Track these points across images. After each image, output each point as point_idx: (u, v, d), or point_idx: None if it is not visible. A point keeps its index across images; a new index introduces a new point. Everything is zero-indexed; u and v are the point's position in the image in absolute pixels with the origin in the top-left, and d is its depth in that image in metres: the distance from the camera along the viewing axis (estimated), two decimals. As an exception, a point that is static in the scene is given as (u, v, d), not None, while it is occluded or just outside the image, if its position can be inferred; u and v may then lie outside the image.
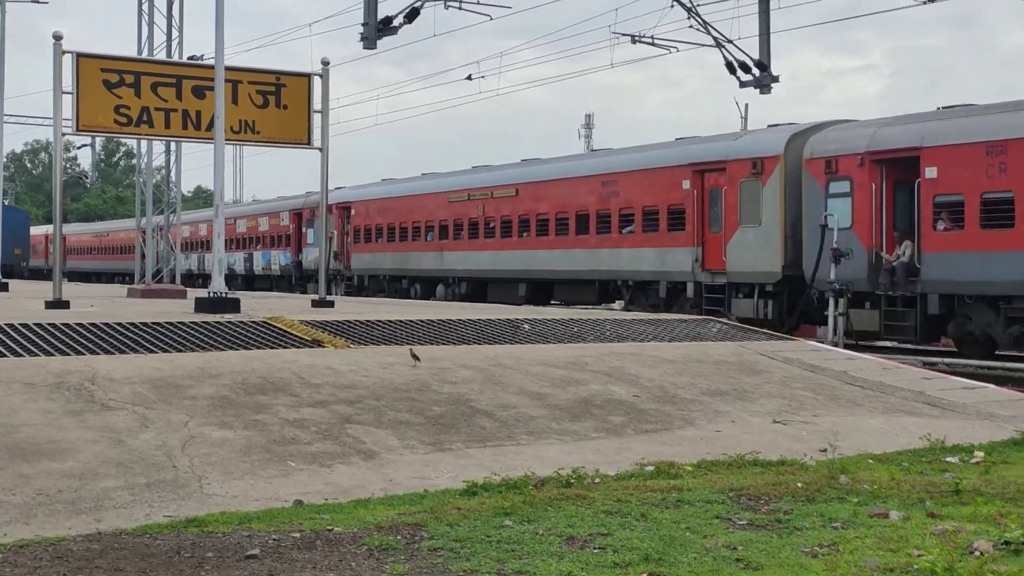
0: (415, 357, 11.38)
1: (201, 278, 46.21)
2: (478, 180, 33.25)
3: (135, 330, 12.26)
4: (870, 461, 8.81)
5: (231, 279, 39.04)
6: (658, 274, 26.03)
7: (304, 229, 41.12)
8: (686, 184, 25.23)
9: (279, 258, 43.40)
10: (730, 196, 24.14)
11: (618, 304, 26.46)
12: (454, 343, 13.11)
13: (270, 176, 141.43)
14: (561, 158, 31.59)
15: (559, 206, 29.10)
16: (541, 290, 30.47)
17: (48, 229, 60.42)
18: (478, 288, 32.50)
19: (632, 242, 26.77)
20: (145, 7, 22.40)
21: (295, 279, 41.85)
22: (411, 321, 14.46)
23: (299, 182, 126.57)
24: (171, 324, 12.76)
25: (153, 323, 12.74)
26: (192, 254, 50.51)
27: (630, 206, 26.84)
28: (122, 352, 11.03)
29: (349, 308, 17.94)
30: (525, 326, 14.83)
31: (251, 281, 45.57)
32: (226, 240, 37.17)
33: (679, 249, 25.36)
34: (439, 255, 33.85)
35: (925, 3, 30.54)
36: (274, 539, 6.15)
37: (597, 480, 7.76)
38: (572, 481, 7.59)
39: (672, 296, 25.85)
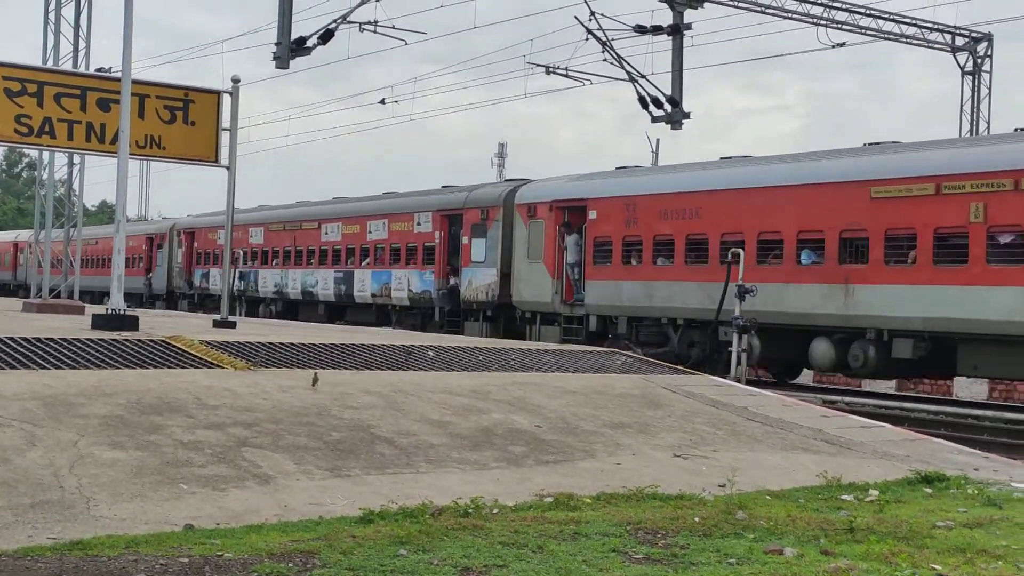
0: (315, 380, 11.22)
1: (211, 298, 41.14)
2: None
3: (27, 345, 11.91)
4: (768, 497, 8.86)
5: (308, 306, 36.33)
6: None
7: (467, 239, 29.78)
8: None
9: (409, 281, 31.89)
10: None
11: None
12: (357, 368, 12.97)
13: (180, 193, 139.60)
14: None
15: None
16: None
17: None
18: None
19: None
20: (52, 16, 21.95)
21: (441, 314, 30.57)
22: (315, 344, 14.28)
23: (210, 200, 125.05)
24: (66, 340, 12.43)
25: (47, 339, 12.40)
26: (201, 268, 44.20)
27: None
28: (12, 368, 10.70)
29: (251, 330, 17.68)
30: (430, 353, 14.74)
31: (342, 312, 35.67)
32: (300, 250, 36.85)
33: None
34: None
35: (834, 47, 31.32)
36: (161, 564, 5.97)
37: (495, 511, 7.68)
38: (470, 511, 7.51)
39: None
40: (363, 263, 33.95)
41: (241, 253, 38.80)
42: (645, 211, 24.48)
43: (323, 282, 35.70)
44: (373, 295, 33.29)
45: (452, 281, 30.36)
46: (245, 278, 39.63)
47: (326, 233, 35.97)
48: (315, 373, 11.53)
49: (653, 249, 24.37)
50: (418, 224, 31.66)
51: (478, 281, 29.03)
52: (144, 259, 46.99)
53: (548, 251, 26.77)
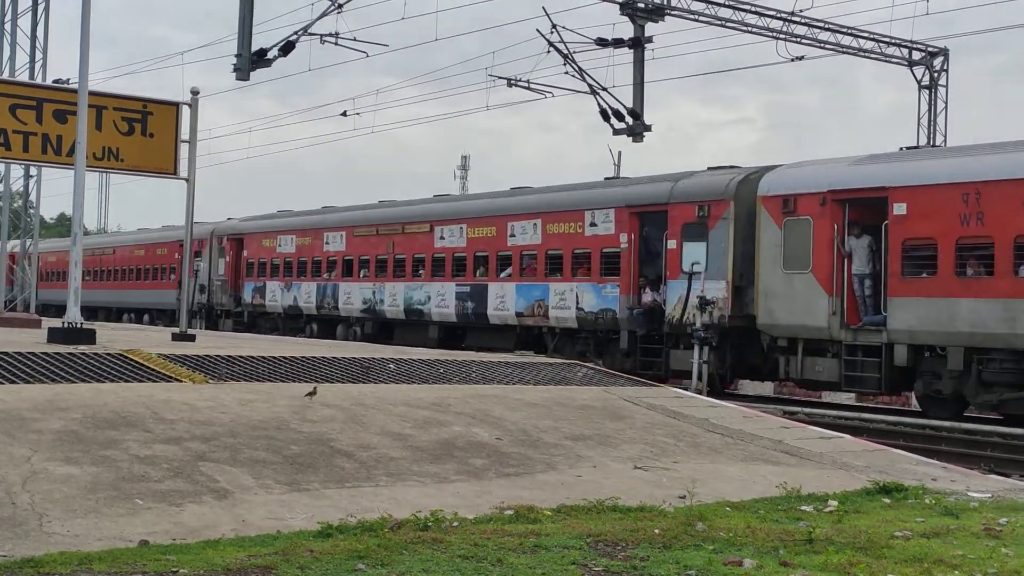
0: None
1: (266, 316, 37.17)
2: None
3: (-19, 359, 11.75)
4: (727, 509, 8.87)
5: (413, 327, 29.99)
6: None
7: (675, 242, 23.84)
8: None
9: (579, 297, 25.83)
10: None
11: None
12: (317, 380, 12.88)
13: (139, 205, 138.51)
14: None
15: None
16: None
17: None
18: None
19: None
20: (8, 27, 21.76)
21: (631, 339, 24.79)
22: (274, 358, 14.18)
23: (172, 214, 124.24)
24: (20, 354, 12.27)
25: (1, 352, 12.24)
26: (253, 281, 37.87)
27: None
28: (-35, 382, 10.55)
29: (210, 343, 17.54)
30: (390, 365, 14.67)
31: (461, 335, 29.51)
32: (401, 259, 30.65)
33: None
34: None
35: (793, 60, 31.56)
36: (115, 581, 5.89)
37: (455, 524, 7.64)
38: (430, 524, 7.47)
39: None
40: (502, 274, 28.07)
41: (310, 262, 34.65)
42: (1000, 202, 18.42)
43: (438, 298, 29.48)
44: (519, 314, 27.15)
45: (648, 297, 24.47)
46: (321, 292, 34.06)
47: (442, 237, 29.89)
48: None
49: (1015, 254, 18.33)
50: (592, 224, 25.61)
51: (694, 298, 22.73)
52: (177, 270, 41.32)
53: (821, 258, 20.75)
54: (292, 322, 35.74)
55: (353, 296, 32.73)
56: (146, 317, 44.47)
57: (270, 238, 37.28)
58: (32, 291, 22.42)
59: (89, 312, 42.02)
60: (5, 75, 21.00)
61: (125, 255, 47.85)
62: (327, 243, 34.25)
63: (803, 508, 8.95)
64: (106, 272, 48.76)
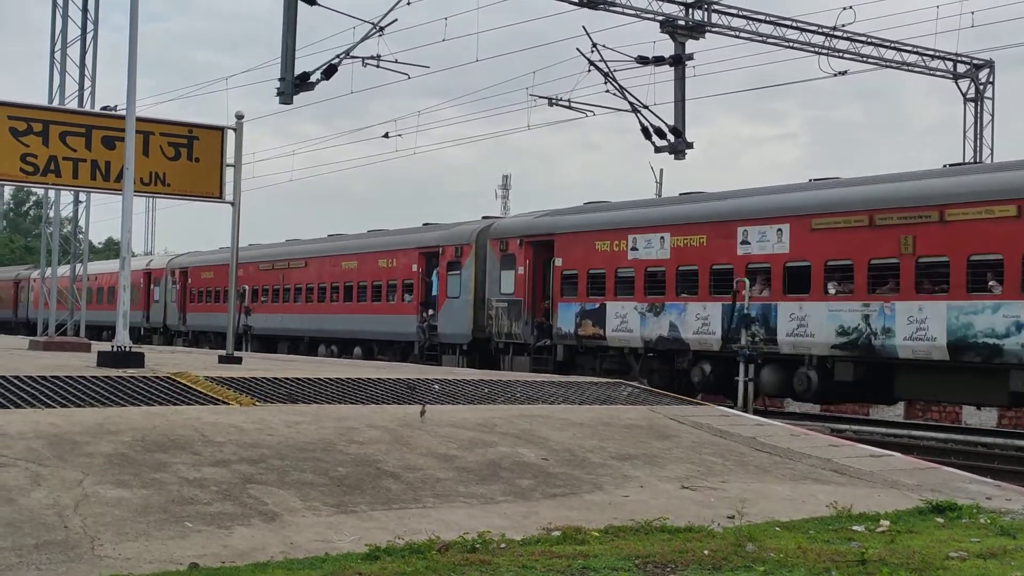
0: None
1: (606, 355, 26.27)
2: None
3: (33, 384, 11.89)
4: (777, 529, 8.79)
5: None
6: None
7: None
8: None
9: None
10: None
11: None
12: (363, 402, 12.92)
13: (183, 229, 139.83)
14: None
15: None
16: None
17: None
18: None
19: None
20: (57, 56, 22.07)
21: None
22: (320, 380, 14.24)
23: (216, 236, 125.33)
24: (71, 378, 12.40)
25: (52, 376, 12.37)
26: (582, 302, 26.66)
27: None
28: (18, 407, 10.67)
29: (256, 365, 17.64)
30: (435, 386, 14.69)
31: (888, 374, 20.99)
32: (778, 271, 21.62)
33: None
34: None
35: (836, 75, 31.41)
36: (166, 604, 5.92)
37: (503, 545, 7.62)
38: (477, 546, 7.46)
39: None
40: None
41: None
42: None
43: None
44: None
45: None
46: (751, 317, 22.38)
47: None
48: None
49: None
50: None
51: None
52: (416, 287, 32.73)
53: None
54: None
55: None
56: (357, 350, 34.67)
57: (612, 237, 26.31)
58: (83, 315, 22.63)
59: (264, 342, 38.09)
60: (55, 103, 21.31)
61: (326, 268, 37.28)
62: (632, 247, 25.75)
63: (855, 528, 8.85)
64: (292, 291, 38.73)
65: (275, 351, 37.37)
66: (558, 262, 27.56)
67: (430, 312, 31.69)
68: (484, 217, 33.61)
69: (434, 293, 31.88)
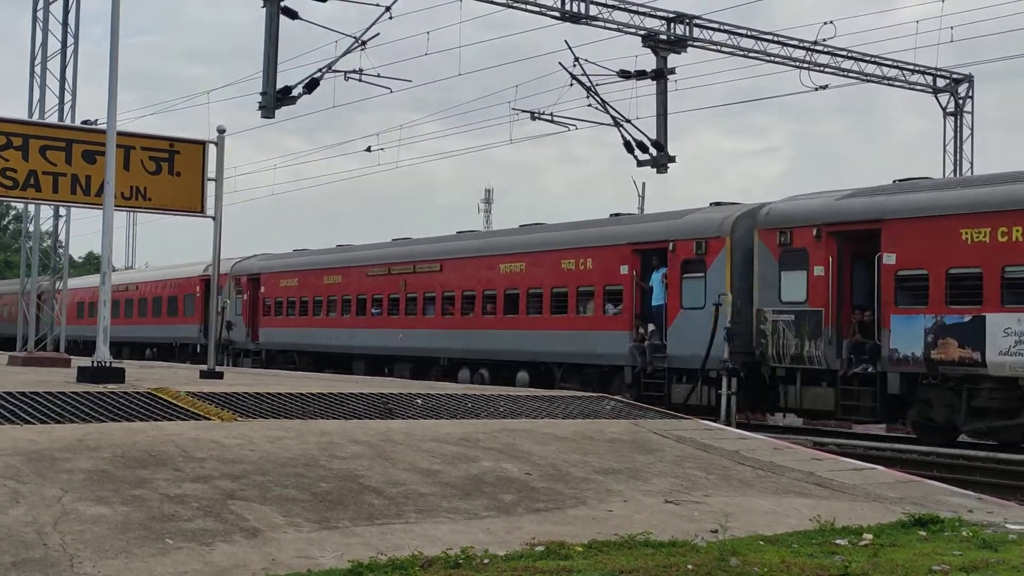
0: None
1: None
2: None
3: (11, 400, 11.80)
4: (761, 542, 8.78)
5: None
6: None
7: None
8: None
9: None
10: None
11: None
12: (345, 417, 12.87)
13: (163, 244, 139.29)
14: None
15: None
16: None
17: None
18: None
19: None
20: (38, 69, 22.00)
21: None
22: (301, 395, 14.18)
23: (195, 250, 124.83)
24: (50, 394, 12.31)
25: (32, 392, 12.28)
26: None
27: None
28: (-4, 422, 10.58)
29: (238, 380, 17.56)
30: (418, 400, 14.65)
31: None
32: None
33: None
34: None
35: (817, 89, 31.56)
36: (146, 623, 5.87)
37: (486, 561, 7.59)
38: (460, 561, 7.42)
39: None
40: None
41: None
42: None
43: None
44: None
45: None
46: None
47: None
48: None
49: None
50: None
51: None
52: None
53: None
54: None
55: None
56: (523, 374, 28.17)
57: (995, 223, 19.12)
58: (62, 330, 22.51)
59: (372, 363, 32.05)
60: (35, 117, 21.22)
61: (473, 272, 30.46)
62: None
63: (838, 542, 8.84)
64: (420, 301, 32.15)
65: (391, 375, 31.31)
66: (889, 259, 20.29)
67: (650, 327, 24.81)
68: (718, 204, 25.49)
69: (655, 303, 24.91)
